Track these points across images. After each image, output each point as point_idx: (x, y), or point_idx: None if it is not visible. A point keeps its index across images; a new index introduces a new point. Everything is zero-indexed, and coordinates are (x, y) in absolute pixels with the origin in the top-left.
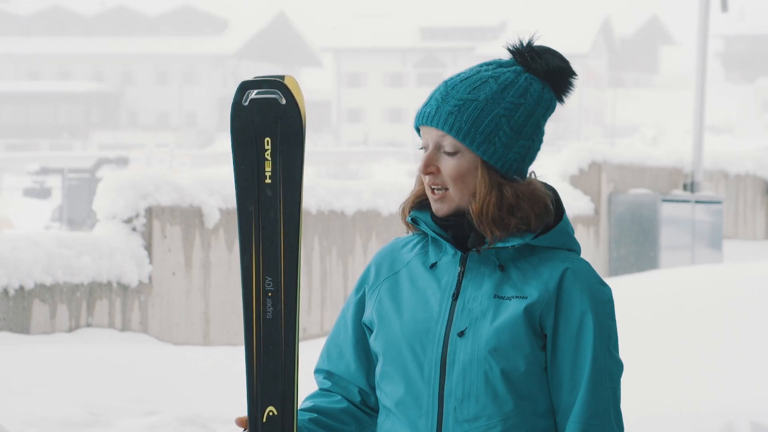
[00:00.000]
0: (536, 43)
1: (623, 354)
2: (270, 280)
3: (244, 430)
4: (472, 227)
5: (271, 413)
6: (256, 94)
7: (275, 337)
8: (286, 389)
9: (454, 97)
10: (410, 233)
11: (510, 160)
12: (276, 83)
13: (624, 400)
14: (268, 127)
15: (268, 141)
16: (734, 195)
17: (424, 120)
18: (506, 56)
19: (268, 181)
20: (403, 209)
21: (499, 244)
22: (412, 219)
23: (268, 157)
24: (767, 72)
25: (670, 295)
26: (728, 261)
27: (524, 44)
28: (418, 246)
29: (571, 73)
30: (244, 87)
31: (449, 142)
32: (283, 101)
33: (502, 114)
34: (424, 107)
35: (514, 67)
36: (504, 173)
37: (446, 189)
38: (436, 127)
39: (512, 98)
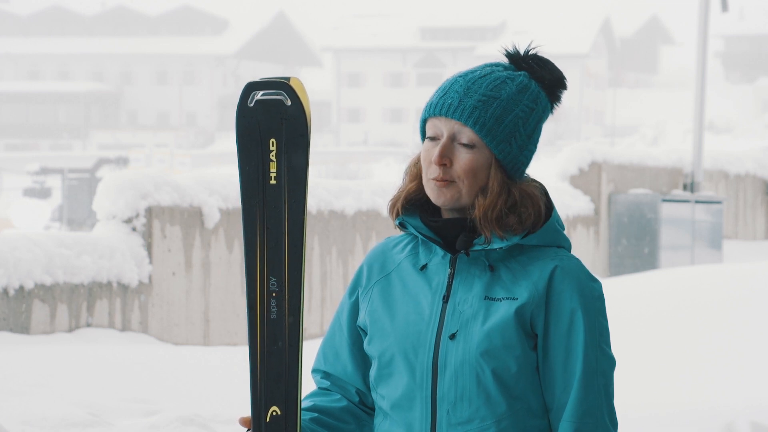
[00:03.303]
0: (534, 50)
1: (624, 354)
2: (274, 281)
3: (248, 430)
4: (462, 228)
5: (274, 413)
6: (262, 95)
7: (279, 337)
8: (290, 389)
9: (477, 92)
10: (400, 233)
11: (519, 162)
12: (281, 84)
13: (624, 400)
14: (273, 129)
15: (273, 142)
16: (734, 195)
17: (443, 111)
18: (503, 58)
19: (273, 182)
20: (393, 206)
21: (487, 246)
22: (400, 223)
23: (273, 158)
24: (767, 72)
25: (670, 295)
26: (728, 261)
27: (525, 51)
28: (409, 246)
29: (565, 86)
30: (250, 88)
31: (467, 136)
32: (289, 102)
33: (519, 116)
34: (441, 98)
35: (522, 72)
36: (511, 175)
37: (453, 182)
38: (458, 120)
39: (528, 102)
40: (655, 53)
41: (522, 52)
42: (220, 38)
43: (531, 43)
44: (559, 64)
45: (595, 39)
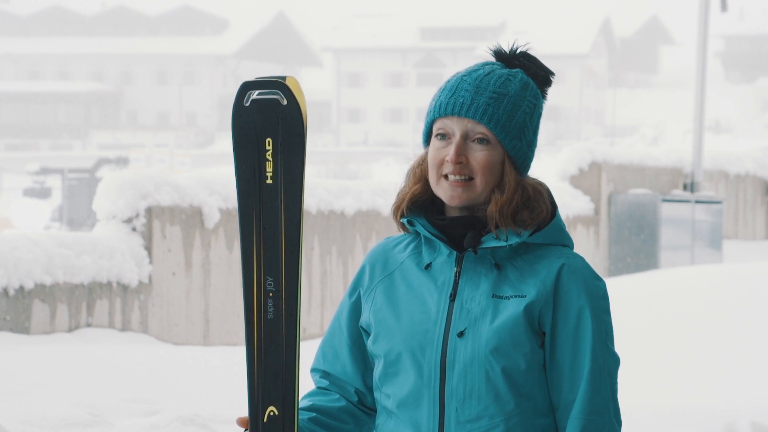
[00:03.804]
0: (522, 49)
1: (624, 354)
2: (271, 281)
3: (245, 430)
4: (468, 226)
5: (272, 413)
6: (258, 94)
7: (276, 337)
8: (287, 389)
9: (486, 89)
10: (401, 232)
11: (528, 158)
12: (277, 84)
13: (625, 399)
14: (269, 128)
15: (269, 141)
16: (734, 195)
17: (455, 110)
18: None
19: (269, 181)
20: (398, 208)
21: (495, 243)
22: (408, 221)
23: (270, 158)
24: (767, 72)
25: (670, 295)
26: (728, 261)
27: (514, 50)
28: (411, 246)
29: (551, 83)
30: (246, 87)
31: (481, 134)
32: (285, 102)
33: (526, 111)
34: (451, 98)
35: (517, 69)
36: (522, 171)
37: (470, 179)
38: (472, 118)
39: (530, 98)
40: (655, 53)
41: (509, 51)
42: (220, 38)
43: (516, 41)
44: (559, 64)
45: (595, 39)
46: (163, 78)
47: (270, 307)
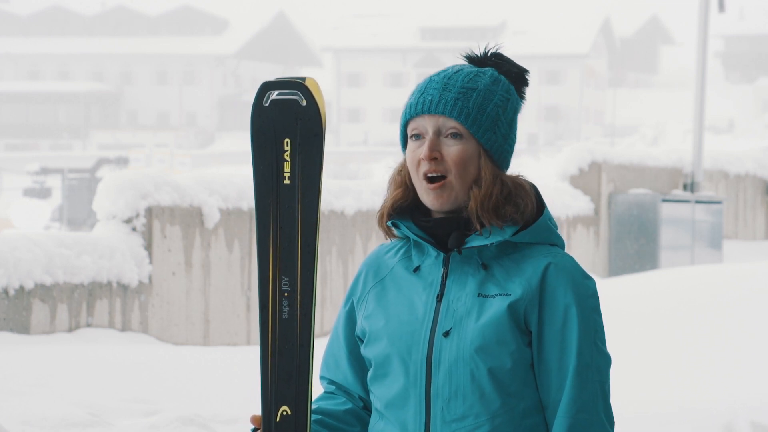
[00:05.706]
0: (494, 49)
1: (623, 353)
2: (287, 281)
3: (255, 429)
4: (453, 227)
5: (284, 413)
6: (277, 95)
7: (290, 337)
8: (300, 389)
9: (455, 85)
10: (390, 240)
11: (504, 151)
12: (297, 84)
13: (623, 399)
14: (287, 128)
15: (287, 142)
16: (734, 195)
17: (425, 108)
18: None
19: (287, 182)
20: (381, 215)
21: (479, 242)
22: (392, 224)
23: (288, 158)
24: (767, 72)
25: (670, 295)
26: (728, 261)
27: (486, 51)
28: (402, 251)
29: (527, 82)
30: (265, 88)
31: (453, 128)
32: (304, 102)
33: (498, 104)
34: (420, 98)
35: (490, 68)
36: (500, 164)
37: (445, 177)
38: (442, 114)
39: (502, 92)
40: (655, 53)
41: (480, 53)
42: (220, 38)
43: (489, 43)
44: (559, 64)
45: (595, 39)
46: (163, 78)
47: (285, 307)
